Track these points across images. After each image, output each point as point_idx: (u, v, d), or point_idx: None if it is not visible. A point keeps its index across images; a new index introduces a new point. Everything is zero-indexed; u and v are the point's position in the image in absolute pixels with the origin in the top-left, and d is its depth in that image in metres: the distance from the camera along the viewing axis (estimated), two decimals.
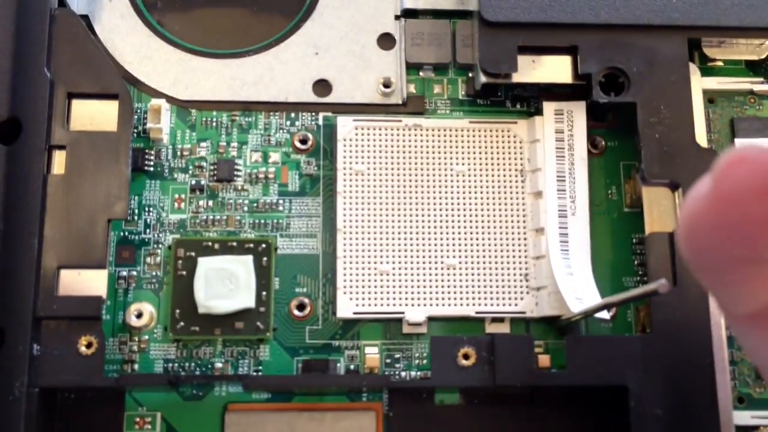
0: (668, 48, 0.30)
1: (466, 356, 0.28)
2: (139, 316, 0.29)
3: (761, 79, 0.32)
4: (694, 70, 0.31)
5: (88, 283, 0.28)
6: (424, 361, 0.29)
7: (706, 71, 0.32)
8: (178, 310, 0.29)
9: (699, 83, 0.31)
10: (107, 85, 0.29)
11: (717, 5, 0.30)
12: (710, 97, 0.32)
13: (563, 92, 0.31)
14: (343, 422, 0.29)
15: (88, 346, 0.27)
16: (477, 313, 0.29)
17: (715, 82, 0.32)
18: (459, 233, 0.30)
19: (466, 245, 0.30)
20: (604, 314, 0.29)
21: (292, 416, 0.29)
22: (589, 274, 0.29)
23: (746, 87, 0.32)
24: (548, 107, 0.31)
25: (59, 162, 0.28)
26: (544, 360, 0.29)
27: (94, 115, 0.29)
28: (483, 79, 0.31)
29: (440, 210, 0.30)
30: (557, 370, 0.29)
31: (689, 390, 0.27)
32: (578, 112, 0.31)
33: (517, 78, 0.30)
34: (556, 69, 0.31)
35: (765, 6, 0.31)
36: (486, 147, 0.31)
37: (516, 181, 0.31)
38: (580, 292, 0.28)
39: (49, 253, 0.27)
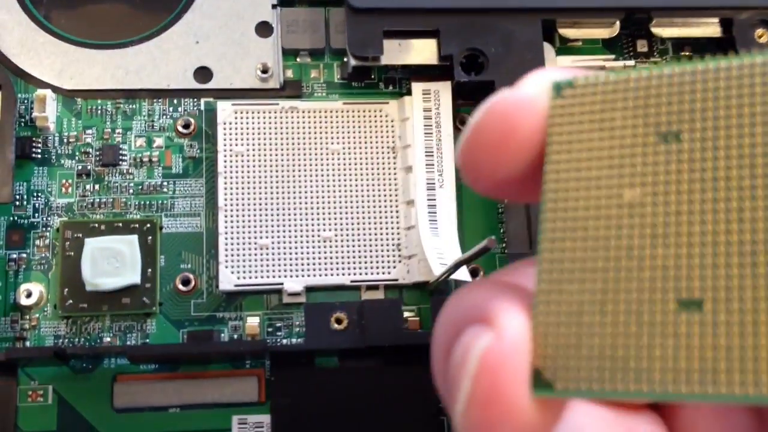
0: (523, 30, 0.33)
1: (338, 320, 0.30)
2: (29, 295, 0.30)
3: (613, 56, 0.35)
4: (549, 50, 0.33)
5: None
6: (304, 329, 0.31)
7: (566, 51, 0.35)
8: (66, 289, 0.30)
9: (554, 62, 0.33)
10: None
11: None
12: None
13: (432, 73, 0.33)
14: (227, 388, 0.30)
15: None
16: (352, 281, 0.31)
17: (569, 61, 0.34)
18: (335, 208, 0.32)
19: (341, 219, 0.32)
20: (466, 277, 0.31)
21: (179, 384, 0.30)
22: (455, 242, 0.32)
23: (599, 64, 0.34)
24: (416, 87, 0.33)
25: None
26: (415, 323, 0.31)
27: None
28: (353, 62, 0.33)
29: (317, 187, 0.32)
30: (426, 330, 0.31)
31: None
32: (444, 91, 0.33)
33: (385, 60, 0.32)
34: (422, 51, 0.33)
35: None
36: (359, 126, 0.33)
37: (388, 158, 0.33)
38: (445, 258, 0.31)
39: None
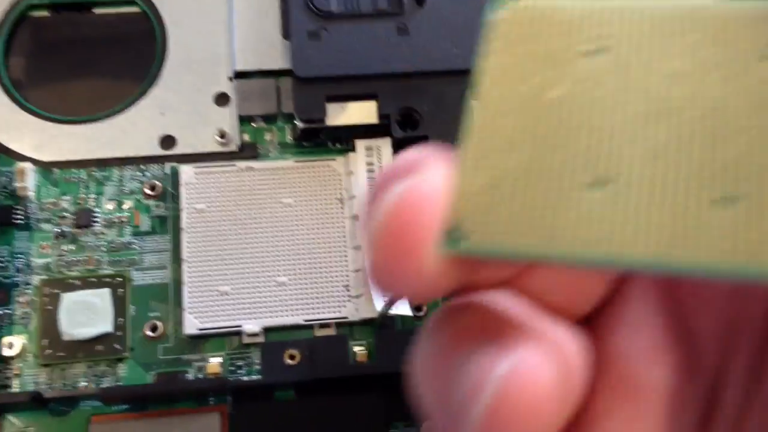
0: (452, 89, 0.36)
1: (291, 356, 0.33)
2: (11, 347, 0.33)
3: None
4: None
5: None
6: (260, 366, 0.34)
7: None
8: (46, 340, 0.33)
9: None
10: None
11: None
12: None
13: (373, 131, 0.37)
14: (193, 424, 0.33)
15: None
16: (305, 321, 0.35)
17: None
18: (288, 254, 0.35)
19: (294, 264, 0.35)
20: (408, 311, 0.34)
21: (148, 422, 0.33)
22: None
23: None
24: (360, 144, 0.37)
25: None
26: (363, 356, 0.34)
27: None
28: (301, 125, 0.36)
29: (272, 236, 0.35)
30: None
31: None
32: (384, 146, 0.37)
33: (330, 122, 0.36)
34: (363, 112, 0.37)
35: None
36: (310, 181, 0.36)
37: (336, 208, 0.36)
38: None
39: None
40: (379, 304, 0.33)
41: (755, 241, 0.13)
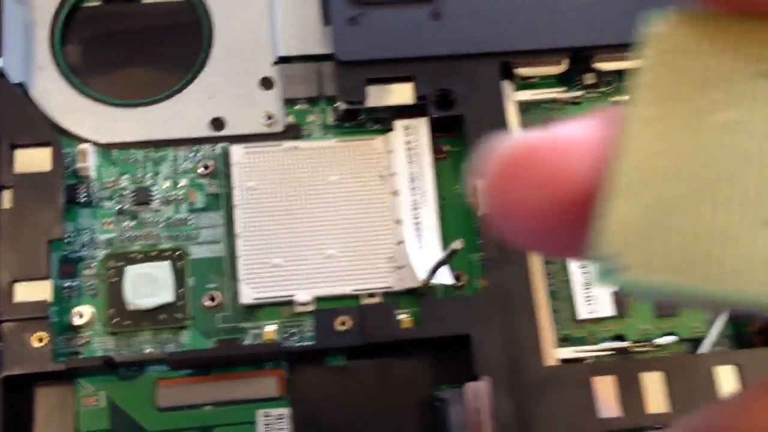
0: (485, 71, 0.39)
1: (342, 323, 0.36)
2: (81, 317, 0.36)
3: (565, 89, 0.41)
4: (508, 86, 0.39)
5: (36, 291, 0.35)
6: (313, 332, 0.36)
7: (525, 86, 0.40)
8: (112, 309, 0.36)
9: (512, 97, 0.39)
10: (41, 136, 0.37)
11: (519, 34, 0.39)
12: (524, 107, 0.40)
13: (410, 111, 0.39)
14: (252, 386, 0.36)
15: (40, 340, 0.34)
16: (353, 291, 0.37)
17: (528, 95, 0.40)
18: (335, 228, 0.38)
19: (341, 238, 0.38)
20: (449, 280, 0.36)
21: (211, 385, 0.36)
22: (438, 252, 0.37)
23: (552, 96, 0.40)
24: (398, 125, 0.39)
25: (7, 199, 0.36)
26: (407, 322, 0.37)
27: (32, 160, 0.36)
28: (343, 106, 0.39)
29: (319, 211, 0.38)
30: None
31: (519, 334, 0.35)
32: (421, 126, 0.39)
33: (370, 103, 0.38)
34: (401, 93, 0.39)
35: (558, 31, 0.39)
36: (352, 160, 0.39)
37: (377, 185, 0.39)
38: (428, 265, 0.36)
39: (5, 270, 0.35)
40: (420, 273, 0.36)
41: None
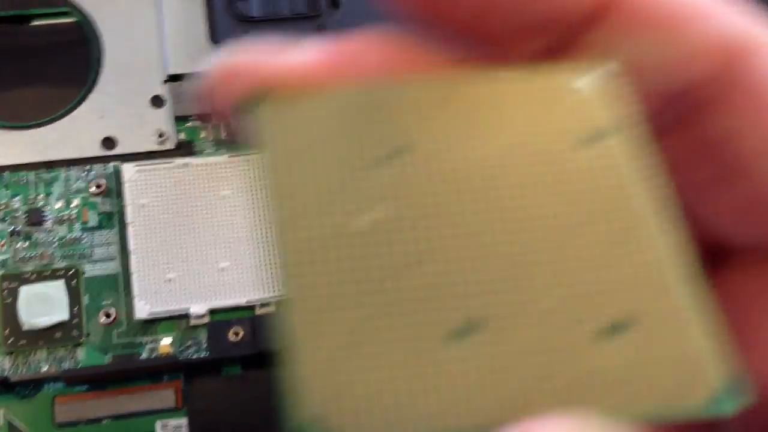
0: None
1: (236, 333, 0.37)
2: None
3: None
4: None
5: None
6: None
7: None
8: (7, 330, 0.37)
9: None
10: None
11: None
12: None
13: None
14: (150, 398, 0.37)
15: None
16: (247, 301, 0.38)
17: None
18: (228, 242, 0.39)
19: (234, 250, 0.39)
20: None
21: (109, 399, 0.37)
22: None
23: None
24: None
25: None
26: None
27: None
28: None
29: (212, 226, 0.39)
30: None
31: None
32: None
33: None
34: None
35: None
36: (244, 174, 0.40)
37: (266, 199, 0.40)
38: None
39: None
40: None
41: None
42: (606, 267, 0.11)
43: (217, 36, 0.40)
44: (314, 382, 0.11)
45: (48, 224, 0.39)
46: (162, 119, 0.41)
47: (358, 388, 0.11)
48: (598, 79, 0.13)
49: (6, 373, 0.36)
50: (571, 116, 0.12)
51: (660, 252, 0.12)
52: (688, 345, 0.11)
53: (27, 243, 0.38)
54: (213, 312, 0.38)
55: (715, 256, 0.14)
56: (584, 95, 0.13)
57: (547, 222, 0.12)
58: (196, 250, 0.39)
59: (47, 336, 0.37)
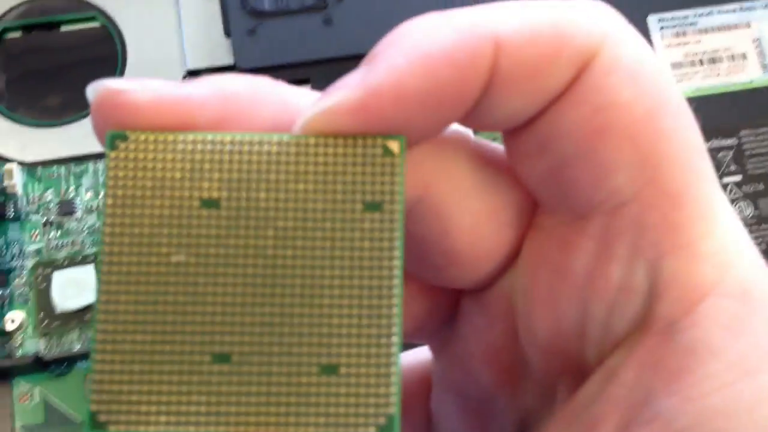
0: None
1: None
2: (13, 322, 0.39)
3: None
4: None
5: None
6: None
7: None
8: (42, 313, 0.39)
9: None
10: None
11: None
12: None
13: None
14: None
15: None
16: None
17: None
18: None
19: None
20: None
21: None
22: None
23: None
24: None
25: None
26: None
27: None
28: None
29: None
30: None
31: None
32: None
33: None
34: None
35: None
36: None
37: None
38: None
39: None
40: None
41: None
42: (337, 319, 0.14)
43: (231, 30, 0.42)
44: (99, 387, 0.14)
45: (78, 214, 0.41)
46: None
47: (129, 396, 0.14)
48: (388, 151, 0.14)
49: (41, 353, 0.39)
50: (369, 180, 0.14)
51: (381, 316, 0.14)
52: (366, 392, 0.14)
53: (59, 232, 0.41)
54: None
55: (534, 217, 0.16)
56: (387, 160, 0.14)
57: (305, 272, 0.14)
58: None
59: (79, 317, 0.39)
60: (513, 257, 0.16)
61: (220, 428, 0.14)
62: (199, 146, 0.14)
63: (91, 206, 0.41)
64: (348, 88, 0.15)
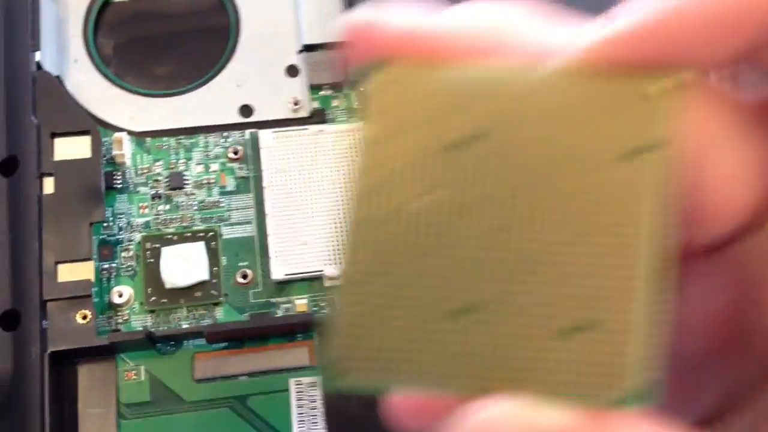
0: None
1: None
2: (120, 296, 0.38)
3: None
4: None
5: (79, 272, 0.37)
6: None
7: None
8: (149, 288, 0.38)
9: None
10: (80, 124, 0.39)
11: None
12: None
13: None
14: (284, 356, 0.37)
15: (84, 318, 0.36)
16: None
17: None
18: None
19: None
20: None
21: (245, 357, 0.37)
22: None
23: None
24: None
25: (48, 185, 0.38)
26: None
27: (72, 147, 0.38)
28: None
29: (344, 190, 0.39)
30: None
31: None
32: None
33: None
34: None
35: None
36: None
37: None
38: None
39: (49, 252, 0.36)
40: None
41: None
42: (590, 276, 0.13)
43: (353, 4, 0.41)
44: (342, 333, 0.13)
45: (188, 188, 0.40)
46: (297, 88, 0.41)
47: (372, 341, 0.13)
48: (667, 88, 0.13)
49: (150, 330, 0.37)
50: (626, 126, 0.13)
51: (640, 272, 0.13)
52: (622, 354, 0.12)
53: (168, 206, 0.39)
54: None
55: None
56: (647, 105, 0.13)
57: (564, 227, 0.13)
58: (329, 214, 0.39)
59: (187, 295, 0.38)
60: (760, 220, 0.14)
61: (448, 385, 0.13)
62: (453, 82, 0.14)
63: (201, 181, 0.40)
64: (639, 14, 0.13)
